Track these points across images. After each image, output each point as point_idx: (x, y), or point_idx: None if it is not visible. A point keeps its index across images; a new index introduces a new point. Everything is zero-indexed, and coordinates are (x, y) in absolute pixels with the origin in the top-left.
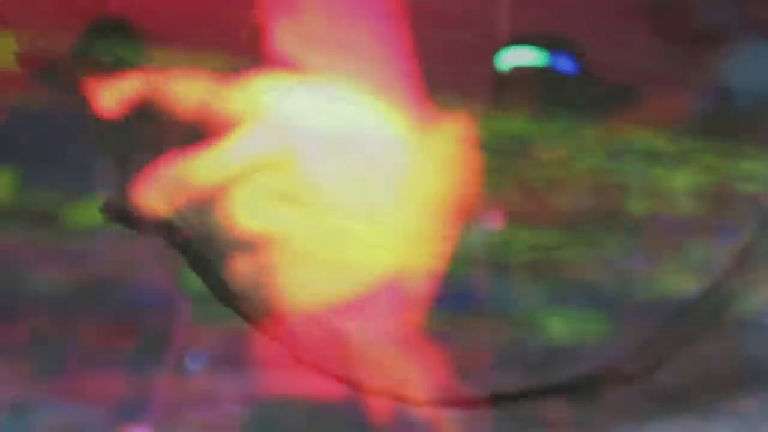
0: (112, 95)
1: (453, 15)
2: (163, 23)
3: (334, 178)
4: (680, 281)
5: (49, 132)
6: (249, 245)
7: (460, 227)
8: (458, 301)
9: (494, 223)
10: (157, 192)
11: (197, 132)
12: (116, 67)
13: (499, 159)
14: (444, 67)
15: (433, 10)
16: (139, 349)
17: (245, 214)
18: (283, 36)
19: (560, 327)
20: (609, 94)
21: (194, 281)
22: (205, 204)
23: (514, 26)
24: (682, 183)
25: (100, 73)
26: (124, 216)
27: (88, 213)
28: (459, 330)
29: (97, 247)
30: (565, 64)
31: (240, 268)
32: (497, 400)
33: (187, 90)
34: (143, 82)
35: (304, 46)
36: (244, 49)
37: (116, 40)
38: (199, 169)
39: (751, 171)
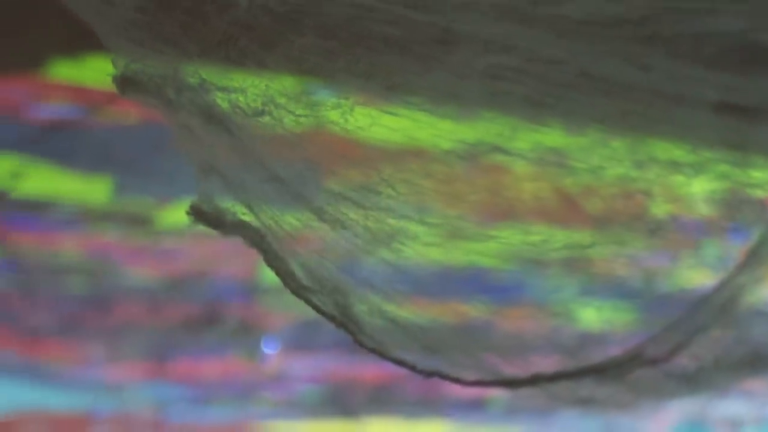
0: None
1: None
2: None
3: (392, 184)
4: (697, 276)
5: (141, 144)
6: (316, 244)
7: (504, 228)
8: (501, 293)
9: (533, 225)
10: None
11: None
12: (201, 87)
13: (537, 167)
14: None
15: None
16: (221, 335)
17: (313, 217)
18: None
19: (592, 316)
20: None
21: (269, 275)
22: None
23: None
24: (699, 189)
25: (187, 95)
26: (207, 218)
27: (176, 215)
28: (502, 318)
29: (183, 245)
30: None
31: (309, 264)
32: (536, 380)
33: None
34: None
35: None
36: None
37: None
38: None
39: (760, 179)
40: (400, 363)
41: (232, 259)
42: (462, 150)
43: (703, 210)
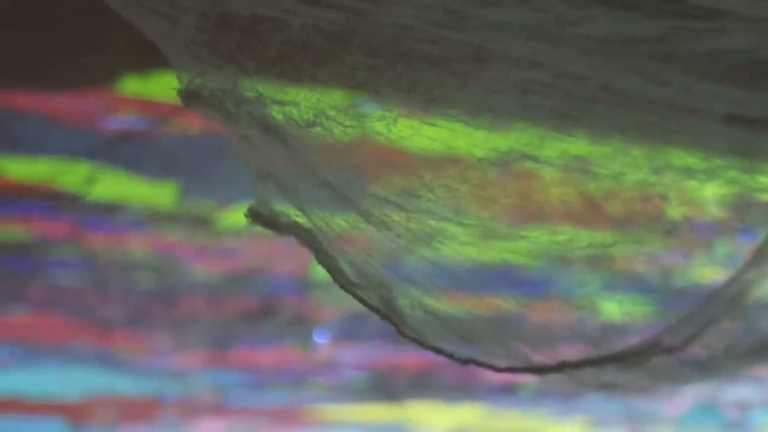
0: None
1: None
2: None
3: (432, 189)
4: (709, 272)
5: (204, 153)
6: (363, 243)
7: (533, 228)
8: (531, 287)
9: (560, 225)
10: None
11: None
12: (258, 100)
13: (564, 173)
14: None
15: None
16: (276, 326)
17: (360, 219)
18: None
19: (613, 309)
20: None
21: (320, 272)
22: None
23: None
24: (711, 193)
25: (245, 107)
26: (263, 219)
27: (235, 217)
28: (531, 311)
29: (242, 244)
30: None
31: (356, 262)
32: (562, 367)
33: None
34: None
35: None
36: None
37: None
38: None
39: (767, 184)
40: (438, 351)
41: (286, 258)
42: (495, 157)
43: (715, 212)
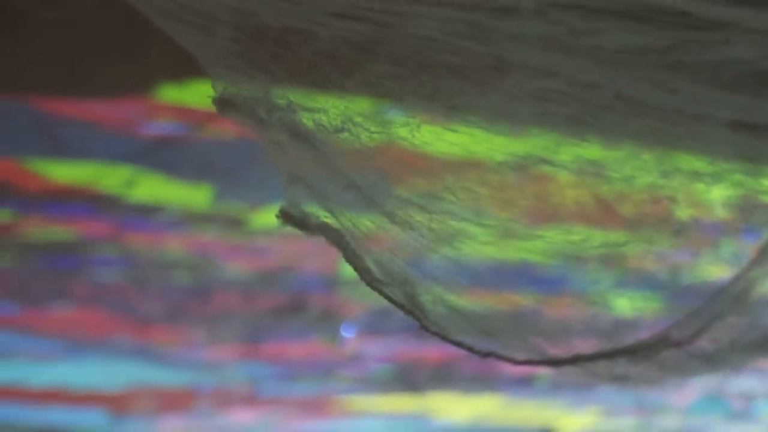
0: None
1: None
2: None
3: (453, 191)
4: (715, 270)
5: (237, 157)
6: (388, 243)
7: (549, 229)
8: (547, 284)
9: (575, 226)
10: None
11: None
12: (289, 107)
13: (578, 177)
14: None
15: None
16: (305, 321)
17: (385, 219)
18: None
19: (625, 305)
20: None
21: (347, 270)
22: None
23: None
24: (717, 195)
25: (276, 114)
26: (294, 220)
27: (267, 218)
28: (547, 307)
29: (273, 243)
30: None
31: (381, 260)
32: (577, 360)
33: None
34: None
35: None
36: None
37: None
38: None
39: None
40: (459, 345)
41: (315, 256)
42: (513, 162)
43: (721, 213)
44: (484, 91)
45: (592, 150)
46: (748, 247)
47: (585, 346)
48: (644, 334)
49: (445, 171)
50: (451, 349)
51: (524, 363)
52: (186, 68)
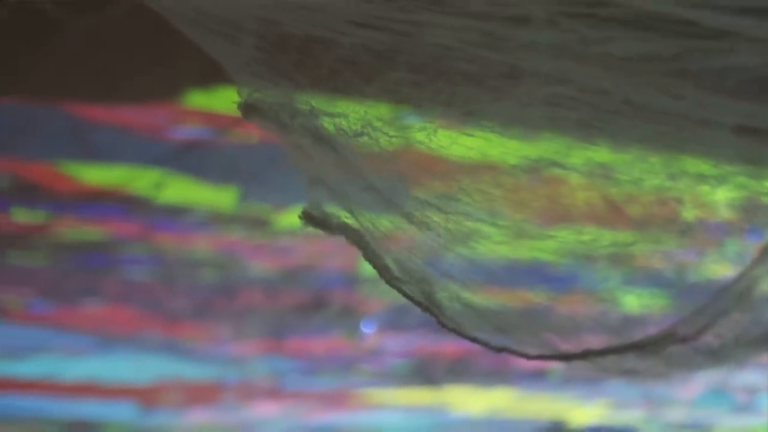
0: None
1: None
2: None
3: (469, 193)
4: (720, 268)
5: (261, 160)
6: (406, 242)
7: (561, 229)
8: (558, 282)
9: (585, 226)
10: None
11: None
12: (311, 112)
13: (588, 179)
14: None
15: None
16: (327, 317)
17: (403, 220)
18: None
19: (633, 302)
20: None
21: (367, 268)
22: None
23: None
24: (721, 197)
25: (299, 119)
26: (316, 221)
27: (290, 219)
28: (559, 304)
29: (296, 243)
30: None
31: (400, 259)
32: (587, 355)
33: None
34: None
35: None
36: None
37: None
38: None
39: None
40: (475, 340)
41: (336, 255)
42: (526, 165)
43: (725, 214)
44: (499, 97)
45: (601, 153)
46: (751, 246)
47: (595, 341)
48: (652, 330)
49: (461, 173)
50: (466, 345)
51: (537, 358)
52: (212, 75)
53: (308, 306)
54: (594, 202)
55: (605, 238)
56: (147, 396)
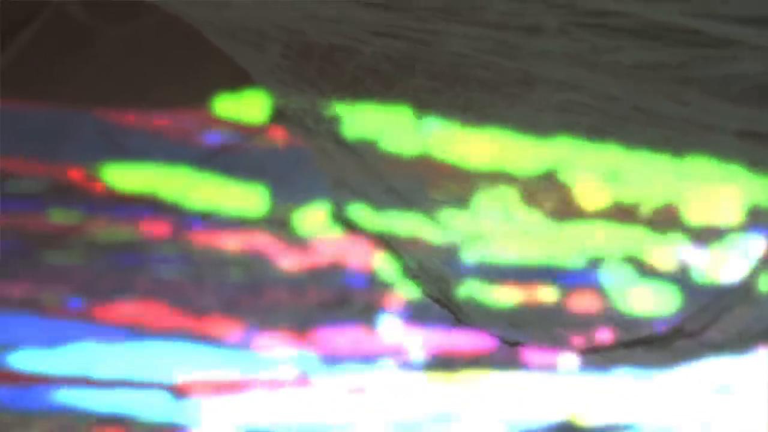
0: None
1: None
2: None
3: (484, 194)
4: (725, 268)
5: (288, 163)
6: (424, 242)
7: (573, 229)
8: (571, 280)
9: (594, 227)
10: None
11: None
12: (334, 118)
13: (599, 181)
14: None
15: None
16: (350, 313)
17: (422, 222)
18: None
19: (642, 299)
20: None
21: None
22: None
23: None
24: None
25: (323, 124)
26: (339, 221)
27: (315, 219)
28: (571, 301)
29: (320, 243)
30: None
31: (419, 258)
32: (597, 348)
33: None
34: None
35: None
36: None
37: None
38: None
39: None
40: (490, 335)
41: (359, 254)
42: (539, 167)
43: (729, 215)
44: (513, 103)
45: (612, 157)
46: (755, 246)
47: (605, 336)
48: (660, 326)
49: (477, 176)
50: (483, 340)
51: (550, 351)
52: (240, 82)
53: (332, 303)
54: (605, 204)
55: (616, 238)
56: (177, 388)
